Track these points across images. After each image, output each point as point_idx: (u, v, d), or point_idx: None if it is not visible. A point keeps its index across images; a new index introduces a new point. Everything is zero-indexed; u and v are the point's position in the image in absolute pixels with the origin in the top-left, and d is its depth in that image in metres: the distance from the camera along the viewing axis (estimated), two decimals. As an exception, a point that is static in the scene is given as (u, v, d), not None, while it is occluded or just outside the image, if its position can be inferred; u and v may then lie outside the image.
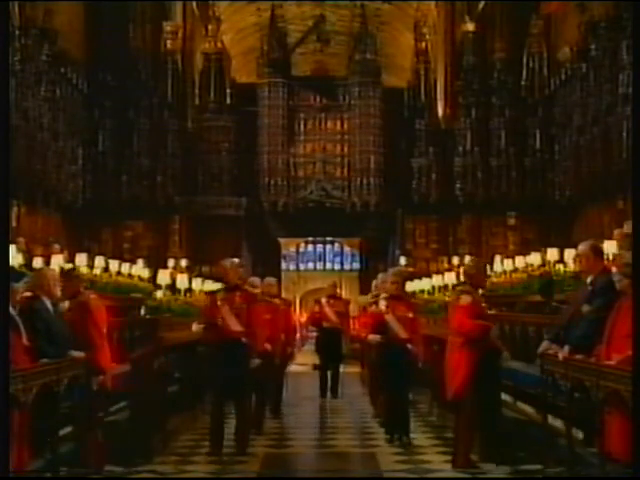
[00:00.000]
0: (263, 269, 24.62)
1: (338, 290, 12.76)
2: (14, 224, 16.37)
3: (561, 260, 11.33)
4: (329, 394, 11.45)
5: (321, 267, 31.64)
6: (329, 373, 11.61)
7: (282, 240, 28.24)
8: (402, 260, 21.92)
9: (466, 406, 6.39)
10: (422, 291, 15.41)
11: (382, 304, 7.64)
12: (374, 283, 10.13)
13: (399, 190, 24.40)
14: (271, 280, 9.62)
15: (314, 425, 9.32)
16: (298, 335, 20.17)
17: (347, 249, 32.09)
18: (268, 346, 8.21)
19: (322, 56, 31.03)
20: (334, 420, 9.50)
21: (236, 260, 8.05)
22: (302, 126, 25.36)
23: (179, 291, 13.56)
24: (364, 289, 22.91)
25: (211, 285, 16.39)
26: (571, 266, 10.30)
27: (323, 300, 11.83)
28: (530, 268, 12.16)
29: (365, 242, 27.90)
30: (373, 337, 7.75)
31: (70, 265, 12.35)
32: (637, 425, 4.48)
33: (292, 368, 13.17)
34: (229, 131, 24.93)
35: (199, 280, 15.88)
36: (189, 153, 24.46)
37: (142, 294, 12.97)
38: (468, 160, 23.81)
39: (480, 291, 6.77)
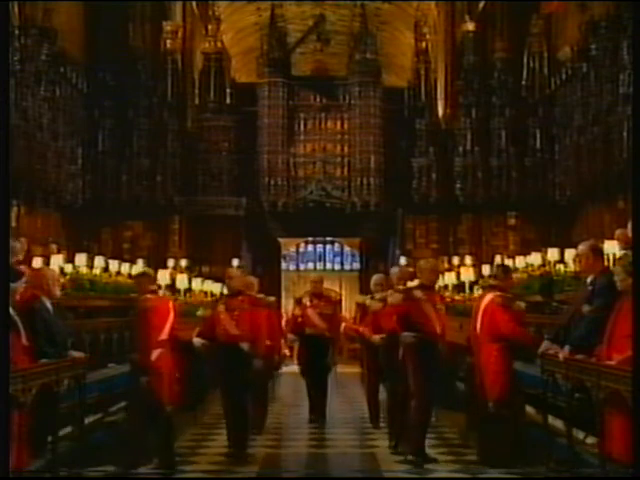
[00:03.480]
0: (263, 269, 24.65)
1: (325, 286, 10.33)
2: (14, 224, 16.35)
3: (561, 260, 11.32)
4: (315, 419, 9.25)
5: (321, 267, 31.65)
6: (314, 393, 9.44)
7: (282, 240, 28.22)
8: (402, 260, 21.87)
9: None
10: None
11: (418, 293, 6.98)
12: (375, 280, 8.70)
13: (399, 190, 24.38)
14: (251, 279, 8.62)
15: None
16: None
17: (347, 249, 32.09)
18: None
19: (322, 56, 30.99)
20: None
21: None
22: (302, 126, 25.33)
23: (179, 291, 13.57)
24: (364, 289, 22.89)
25: (211, 285, 16.42)
26: (571, 266, 10.29)
27: (305, 300, 9.58)
28: (530, 268, 12.14)
29: (365, 242, 27.89)
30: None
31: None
32: (637, 425, 4.48)
33: (291, 368, 13.09)
34: (229, 131, 24.90)
35: (199, 280, 15.88)
36: (189, 153, 24.42)
37: (142, 294, 12.94)
38: (468, 160, 23.79)
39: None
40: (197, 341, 7.29)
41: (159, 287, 7.87)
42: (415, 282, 7.38)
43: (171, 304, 7.23)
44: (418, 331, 6.84)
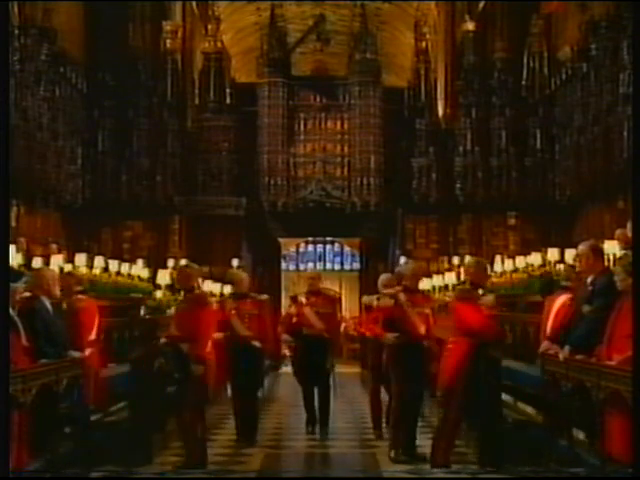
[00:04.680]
0: (263, 269, 24.63)
1: (324, 286, 9.33)
2: (14, 224, 16.35)
3: (562, 260, 11.32)
4: (317, 428, 8.44)
5: (321, 267, 31.63)
6: (315, 399, 8.54)
7: (282, 240, 28.22)
8: (402, 260, 21.86)
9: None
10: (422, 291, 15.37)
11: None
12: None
13: (399, 190, 24.37)
14: (240, 276, 8.39)
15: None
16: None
17: (347, 249, 32.10)
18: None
19: (322, 56, 30.99)
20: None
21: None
22: (302, 126, 25.31)
23: (179, 291, 13.53)
24: (364, 289, 22.88)
25: (211, 285, 16.41)
26: (571, 266, 10.28)
27: (302, 298, 8.66)
28: (530, 268, 12.16)
29: (365, 242, 27.87)
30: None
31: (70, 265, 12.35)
32: (637, 425, 4.48)
33: (291, 368, 13.04)
34: (229, 131, 24.88)
35: (199, 280, 15.82)
36: (189, 153, 24.41)
37: (142, 294, 12.97)
38: (468, 160, 23.78)
39: (480, 291, 6.57)
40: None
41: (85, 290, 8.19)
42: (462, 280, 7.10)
43: (96, 306, 7.61)
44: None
